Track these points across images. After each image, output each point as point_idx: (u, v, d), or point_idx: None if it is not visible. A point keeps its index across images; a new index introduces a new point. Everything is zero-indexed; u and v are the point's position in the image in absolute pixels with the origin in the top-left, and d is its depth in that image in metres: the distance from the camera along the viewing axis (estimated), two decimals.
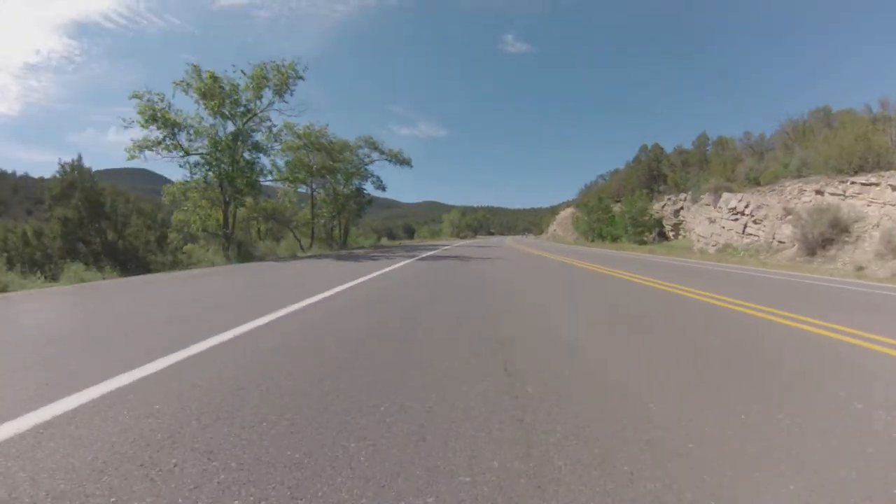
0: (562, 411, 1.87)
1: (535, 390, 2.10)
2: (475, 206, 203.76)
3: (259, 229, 19.44)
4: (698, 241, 22.52)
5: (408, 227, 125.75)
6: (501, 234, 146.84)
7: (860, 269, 12.61)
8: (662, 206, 41.65)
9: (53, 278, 6.36)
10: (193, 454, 1.47)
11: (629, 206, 38.40)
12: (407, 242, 47.99)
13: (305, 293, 5.13)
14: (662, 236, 39.46)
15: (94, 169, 11.05)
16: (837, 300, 5.71)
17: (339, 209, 21.68)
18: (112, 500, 1.22)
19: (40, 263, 7.62)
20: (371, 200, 24.26)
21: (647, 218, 37.08)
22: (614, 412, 1.87)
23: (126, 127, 11.28)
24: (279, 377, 2.22)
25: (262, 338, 3.02)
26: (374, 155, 22.82)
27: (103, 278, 6.68)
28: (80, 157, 10.07)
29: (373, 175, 23.33)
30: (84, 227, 8.97)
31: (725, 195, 22.37)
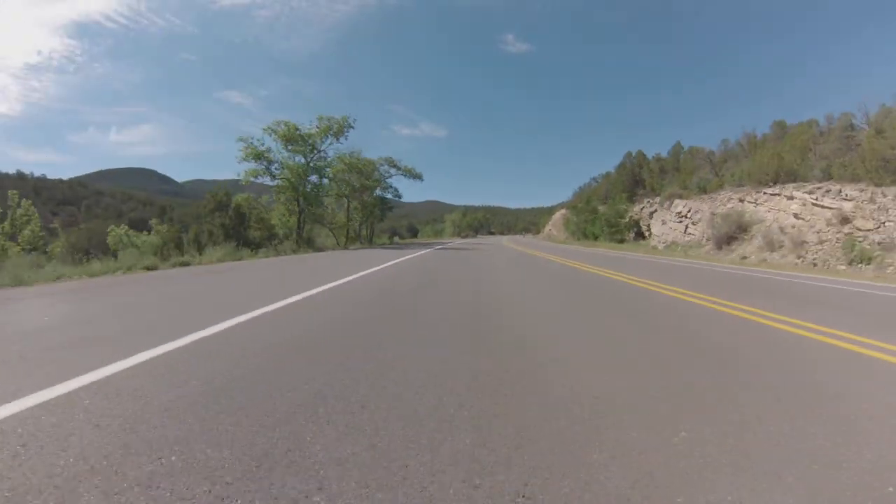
0: (485, 305, 7.15)
1: (483, 284, 7.39)
2: (477, 205, 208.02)
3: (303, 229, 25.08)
4: (653, 239, 27.78)
5: (411, 226, 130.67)
6: (501, 233, 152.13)
7: (744, 258, 17.84)
8: (641, 209, 46.90)
9: (238, 258, 11.64)
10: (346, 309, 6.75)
11: (610, 208, 43.68)
12: (415, 241, 53.86)
13: (383, 261, 10.40)
14: (640, 235, 44.66)
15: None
16: (702, 275, 10.83)
17: (368, 215, 27.62)
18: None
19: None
20: (392, 208, 30.66)
21: (623, 219, 42.13)
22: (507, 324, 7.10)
23: (238, 162, 16.95)
24: (390, 289, 7.50)
25: (377, 275, 8.30)
26: (392, 171, 28.80)
27: (263, 258, 12.04)
28: (227, 191, 15.47)
29: (391, 187, 29.37)
30: (234, 228, 14.32)
31: (676, 201, 27.62)
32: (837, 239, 15.42)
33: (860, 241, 14.08)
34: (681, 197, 28.09)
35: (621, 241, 39.21)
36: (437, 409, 1.92)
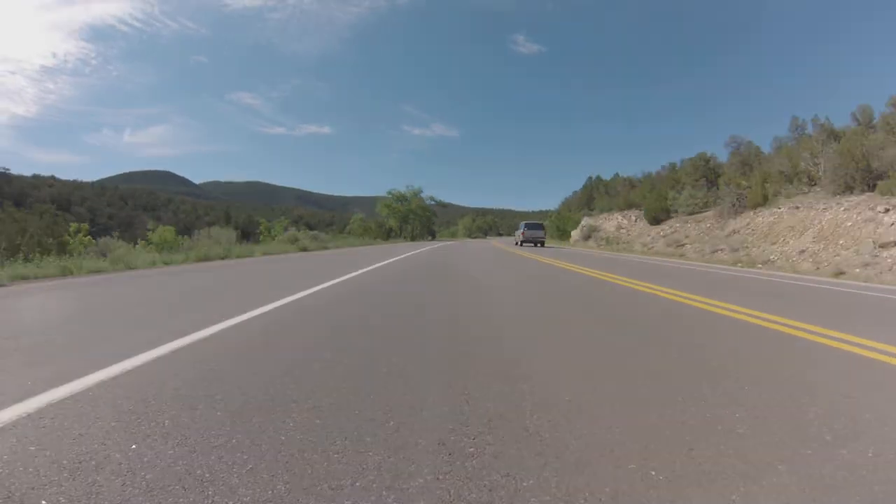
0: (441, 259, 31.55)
1: (457, 251, 31.75)
2: (488, 207, 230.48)
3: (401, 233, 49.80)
4: (570, 238, 51.60)
5: (430, 230, 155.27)
6: (509, 234, 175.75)
7: (588, 246, 41.59)
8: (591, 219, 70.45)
9: (383, 242, 35.63)
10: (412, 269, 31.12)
11: (569, 217, 67.14)
12: (438, 240, 79.34)
13: (437, 243, 34.75)
14: (588, 238, 68.09)
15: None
16: (559, 252, 34.75)
17: (421, 227, 52.66)
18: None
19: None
20: (434, 222, 55.74)
21: (569, 226, 65.22)
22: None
23: (379, 209, 41.76)
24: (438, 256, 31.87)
25: (430, 250, 32.63)
26: (431, 201, 53.70)
27: (388, 244, 36.20)
28: (382, 220, 40.06)
29: (433, 212, 54.27)
30: (385, 233, 38.78)
31: (585, 218, 51.33)
32: (614, 237, 39.12)
33: (613, 238, 37.76)
34: (589, 216, 51.78)
35: (562, 239, 62.63)
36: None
